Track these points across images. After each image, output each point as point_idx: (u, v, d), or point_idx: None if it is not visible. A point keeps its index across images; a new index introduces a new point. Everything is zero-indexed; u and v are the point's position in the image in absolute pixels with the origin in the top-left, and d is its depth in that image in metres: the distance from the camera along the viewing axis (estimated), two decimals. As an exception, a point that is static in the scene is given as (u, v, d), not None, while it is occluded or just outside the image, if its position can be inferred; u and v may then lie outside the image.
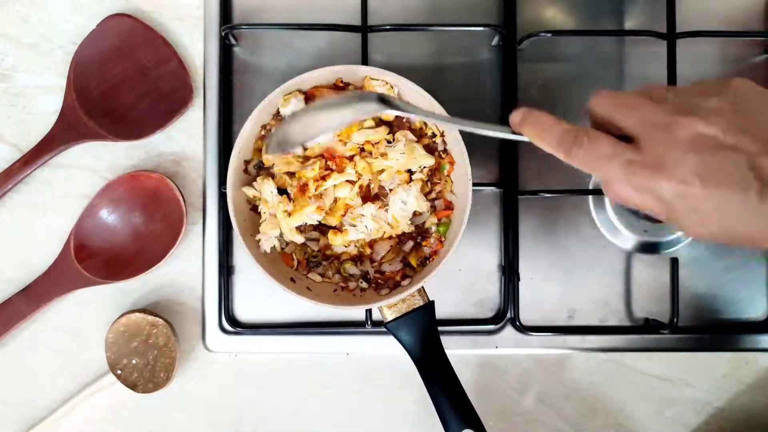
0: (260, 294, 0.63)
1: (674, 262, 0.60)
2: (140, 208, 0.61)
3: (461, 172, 0.55)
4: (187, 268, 0.63)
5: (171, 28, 0.63)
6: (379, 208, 0.56)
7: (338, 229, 0.56)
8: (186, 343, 0.63)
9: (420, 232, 0.57)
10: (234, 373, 0.63)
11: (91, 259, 0.61)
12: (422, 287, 0.55)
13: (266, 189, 0.56)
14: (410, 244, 0.57)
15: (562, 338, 0.62)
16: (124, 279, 0.61)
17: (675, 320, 0.59)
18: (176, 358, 0.60)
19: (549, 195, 0.62)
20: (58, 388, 0.62)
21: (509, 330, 0.62)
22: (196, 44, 0.63)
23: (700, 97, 0.39)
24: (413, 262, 0.57)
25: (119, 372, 0.60)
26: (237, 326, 0.62)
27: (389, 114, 0.52)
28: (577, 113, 0.62)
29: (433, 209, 0.57)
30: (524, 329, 0.61)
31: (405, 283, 0.56)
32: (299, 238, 0.56)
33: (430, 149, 0.57)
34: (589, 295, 0.63)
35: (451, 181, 0.57)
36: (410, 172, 0.57)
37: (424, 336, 0.54)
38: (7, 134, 0.63)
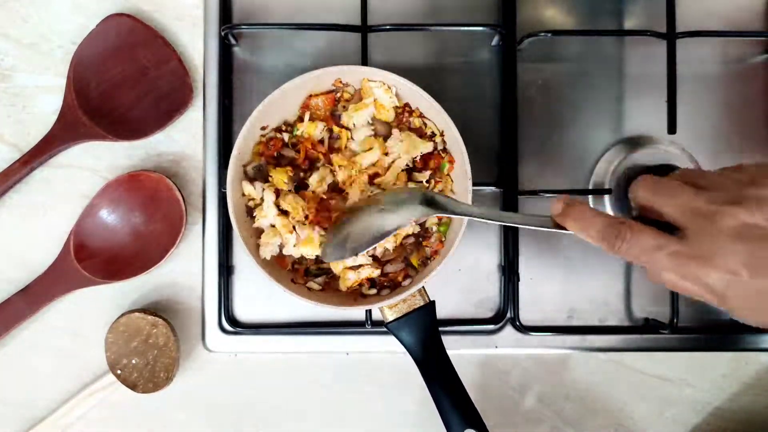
0: (260, 294, 0.63)
1: (674, 262, 0.60)
2: (140, 207, 0.61)
3: (461, 171, 0.55)
4: (187, 267, 0.63)
5: (171, 27, 0.63)
6: None
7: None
8: (186, 343, 0.63)
9: (421, 232, 0.57)
10: (234, 373, 0.63)
11: (90, 259, 0.61)
12: (423, 287, 0.55)
13: (267, 201, 0.55)
14: (411, 239, 0.57)
15: (562, 338, 0.62)
16: (124, 279, 0.61)
17: (675, 320, 0.59)
18: (176, 358, 0.60)
19: (549, 195, 0.62)
20: (57, 388, 0.62)
21: (509, 330, 0.62)
22: (195, 44, 0.63)
23: (744, 186, 0.39)
24: (414, 262, 0.57)
25: (119, 372, 0.60)
26: (237, 326, 0.62)
27: (436, 215, 0.51)
28: (578, 113, 0.63)
29: None
30: (524, 329, 0.61)
31: (406, 283, 0.56)
32: (303, 251, 0.56)
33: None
34: (589, 295, 0.63)
35: (452, 180, 0.57)
36: (409, 174, 0.57)
37: (425, 336, 0.54)
38: (6, 134, 0.63)
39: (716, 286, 0.38)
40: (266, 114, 0.56)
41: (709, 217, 0.38)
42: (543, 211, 0.62)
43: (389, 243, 0.56)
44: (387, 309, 0.55)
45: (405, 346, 0.54)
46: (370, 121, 0.57)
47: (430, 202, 0.49)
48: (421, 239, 0.57)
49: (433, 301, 0.55)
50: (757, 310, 0.39)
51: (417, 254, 0.57)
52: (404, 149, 0.56)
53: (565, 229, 0.45)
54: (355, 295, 0.57)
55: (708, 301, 0.40)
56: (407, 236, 0.57)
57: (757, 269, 0.37)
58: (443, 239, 0.57)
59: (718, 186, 0.40)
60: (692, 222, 0.39)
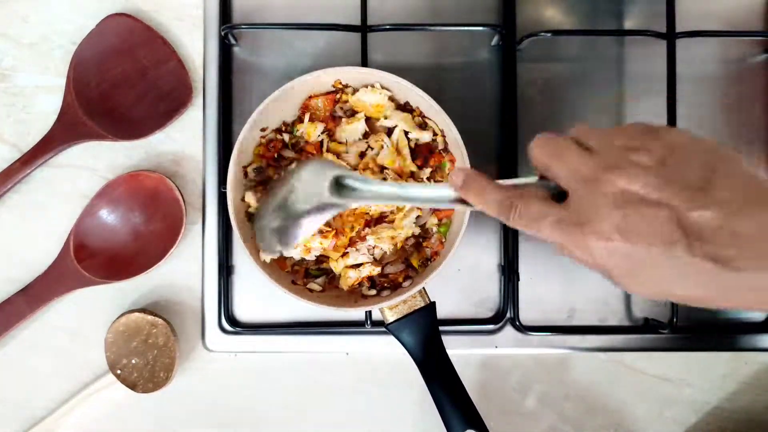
0: (260, 294, 0.63)
1: (674, 262, 0.60)
2: (140, 207, 0.61)
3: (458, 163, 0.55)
4: (186, 267, 0.63)
5: (171, 27, 0.63)
6: (383, 223, 0.56)
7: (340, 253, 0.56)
8: (185, 342, 0.63)
9: (421, 233, 0.57)
10: (233, 373, 0.63)
11: (90, 259, 0.61)
12: (423, 288, 0.55)
13: None
14: (411, 241, 0.57)
15: (562, 338, 0.62)
16: (124, 279, 0.61)
17: (674, 320, 0.59)
18: (176, 358, 0.60)
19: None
20: (57, 388, 0.62)
21: (509, 330, 0.62)
22: (195, 44, 0.63)
23: (627, 151, 0.38)
24: (415, 263, 0.57)
25: (119, 372, 0.60)
26: (236, 326, 0.62)
27: (346, 205, 0.48)
28: (577, 113, 0.63)
29: (434, 209, 0.57)
30: (524, 329, 0.61)
31: (406, 284, 0.56)
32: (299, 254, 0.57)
33: (430, 148, 0.57)
34: (589, 295, 0.63)
35: None
36: (412, 172, 0.57)
37: (425, 337, 0.54)
38: (6, 134, 0.62)
39: (596, 254, 0.38)
40: (266, 115, 0.56)
41: (591, 182, 0.38)
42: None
43: (386, 244, 0.56)
44: (387, 310, 0.55)
45: (405, 347, 0.54)
46: (361, 137, 0.57)
47: (339, 186, 0.47)
48: (421, 240, 0.57)
49: (434, 302, 0.55)
50: (641, 283, 0.38)
51: (417, 255, 0.57)
52: (401, 118, 0.56)
53: (467, 204, 0.44)
54: (356, 296, 0.57)
55: (601, 273, 0.40)
56: (407, 238, 0.57)
57: (631, 234, 0.36)
58: (443, 240, 0.57)
59: (603, 149, 0.40)
60: (577, 187, 0.39)
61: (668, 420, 0.63)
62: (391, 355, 0.63)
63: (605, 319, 0.63)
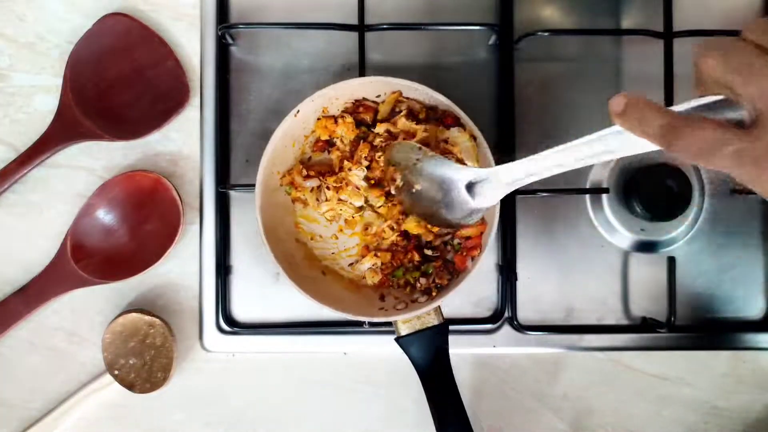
0: (257, 294, 0.63)
1: (671, 261, 0.60)
2: (137, 207, 0.61)
3: None
4: (184, 267, 0.62)
5: (168, 27, 0.63)
6: None
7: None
8: (183, 343, 0.63)
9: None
10: (231, 373, 0.63)
11: (87, 259, 0.60)
12: (439, 307, 0.55)
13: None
14: (451, 254, 0.58)
15: (560, 337, 0.62)
16: (121, 279, 0.61)
17: (672, 319, 0.59)
18: (173, 358, 0.60)
19: (546, 194, 0.62)
20: (55, 388, 0.62)
21: (507, 329, 0.62)
22: (193, 43, 0.63)
23: None
24: (444, 280, 0.57)
25: (116, 372, 0.60)
26: (234, 326, 0.62)
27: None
28: (575, 112, 0.63)
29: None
30: (522, 328, 0.61)
31: (423, 299, 0.56)
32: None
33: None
34: (587, 295, 0.63)
35: None
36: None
37: (434, 355, 0.54)
38: (3, 134, 0.62)
39: None
40: (296, 127, 0.57)
41: None
42: (541, 211, 0.63)
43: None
44: (400, 323, 0.55)
45: (413, 362, 0.54)
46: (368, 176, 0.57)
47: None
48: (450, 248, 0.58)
49: (447, 321, 0.55)
50: None
51: (445, 273, 0.57)
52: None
53: (620, 131, 0.39)
54: (376, 305, 0.57)
55: None
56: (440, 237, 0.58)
57: None
58: (464, 254, 0.57)
59: None
60: (763, 112, 0.33)
61: (666, 419, 0.63)
62: (388, 355, 0.63)
63: (603, 318, 0.63)
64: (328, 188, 0.57)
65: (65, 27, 0.62)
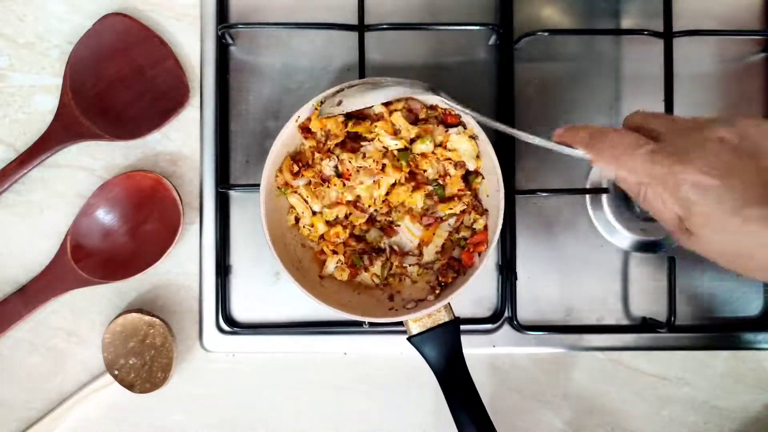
0: (257, 294, 0.63)
1: (671, 261, 0.60)
2: (137, 207, 0.61)
3: (492, 185, 0.54)
4: (184, 267, 0.62)
5: (167, 27, 0.63)
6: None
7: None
8: (183, 343, 0.63)
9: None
10: (231, 373, 0.63)
11: (87, 259, 0.60)
12: (449, 303, 0.55)
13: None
14: (457, 251, 0.57)
15: (560, 337, 0.62)
16: (121, 279, 0.61)
17: (672, 319, 0.59)
18: (173, 358, 0.60)
19: (546, 194, 0.62)
20: (54, 388, 0.62)
21: (507, 329, 0.62)
22: (192, 43, 0.63)
23: (727, 118, 0.40)
24: (449, 278, 0.57)
25: (116, 372, 0.60)
26: (234, 326, 0.62)
27: (436, 101, 0.53)
28: (574, 112, 0.63)
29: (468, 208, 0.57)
30: (522, 328, 0.61)
31: (431, 297, 0.56)
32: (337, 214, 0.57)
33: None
34: (587, 294, 0.63)
35: (482, 176, 0.57)
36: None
37: (448, 352, 0.54)
38: (3, 134, 0.62)
39: (683, 190, 0.38)
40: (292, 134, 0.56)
41: (691, 130, 0.40)
42: (541, 211, 0.63)
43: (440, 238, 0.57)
44: (411, 322, 0.54)
45: (427, 361, 0.54)
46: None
47: (434, 89, 0.52)
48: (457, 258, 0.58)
49: (458, 318, 0.55)
50: (714, 230, 0.38)
51: (450, 271, 0.57)
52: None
53: (569, 146, 0.46)
54: (385, 305, 0.57)
55: (675, 220, 0.40)
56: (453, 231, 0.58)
57: (728, 176, 0.37)
58: (470, 251, 0.57)
59: (702, 118, 0.41)
60: (675, 132, 0.40)
61: (666, 419, 0.64)
62: (388, 355, 0.63)
63: (603, 318, 0.63)
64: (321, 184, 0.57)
65: (65, 27, 0.62)
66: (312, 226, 0.57)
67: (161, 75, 0.62)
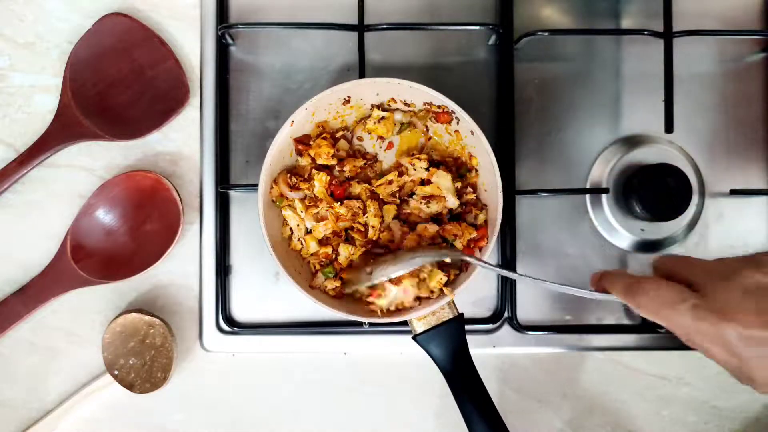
0: (257, 294, 0.63)
1: (671, 261, 0.60)
2: (137, 207, 0.61)
3: (489, 180, 0.55)
4: (184, 268, 0.62)
5: (167, 27, 0.63)
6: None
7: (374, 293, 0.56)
8: (183, 343, 0.63)
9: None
10: (231, 373, 0.63)
11: (87, 259, 0.60)
12: (452, 300, 0.55)
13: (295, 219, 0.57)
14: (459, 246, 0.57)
15: (560, 337, 0.62)
16: (121, 279, 0.61)
17: (672, 319, 0.59)
18: (173, 358, 0.60)
19: (546, 194, 0.62)
20: (54, 388, 0.62)
21: (507, 329, 0.62)
22: (192, 43, 0.63)
23: (756, 259, 0.41)
24: (451, 275, 0.56)
25: (116, 372, 0.60)
26: (234, 326, 0.62)
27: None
28: (574, 112, 0.63)
29: (465, 205, 0.57)
30: (522, 328, 0.61)
31: (434, 295, 0.56)
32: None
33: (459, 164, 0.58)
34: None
35: (476, 171, 0.57)
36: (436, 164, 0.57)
37: (454, 349, 0.54)
38: (2, 134, 0.62)
39: (733, 342, 0.39)
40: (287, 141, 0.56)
41: (727, 276, 0.40)
42: (541, 211, 0.63)
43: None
44: (416, 321, 0.54)
45: (434, 359, 0.54)
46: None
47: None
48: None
49: (462, 314, 0.55)
50: None
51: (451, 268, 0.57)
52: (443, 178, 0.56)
53: (601, 293, 0.48)
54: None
55: (730, 366, 0.41)
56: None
57: None
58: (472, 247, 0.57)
59: (735, 258, 0.42)
60: (712, 281, 0.41)
61: (666, 419, 0.64)
62: (388, 355, 0.63)
63: (603, 318, 0.63)
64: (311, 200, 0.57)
65: (65, 27, 0.62)
66: (304, 242, 0.57)
67: (161, 75, 0.62)
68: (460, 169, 0.58)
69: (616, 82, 0.63)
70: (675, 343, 0.62)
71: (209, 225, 0.62)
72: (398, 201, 0.58)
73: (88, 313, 0.62)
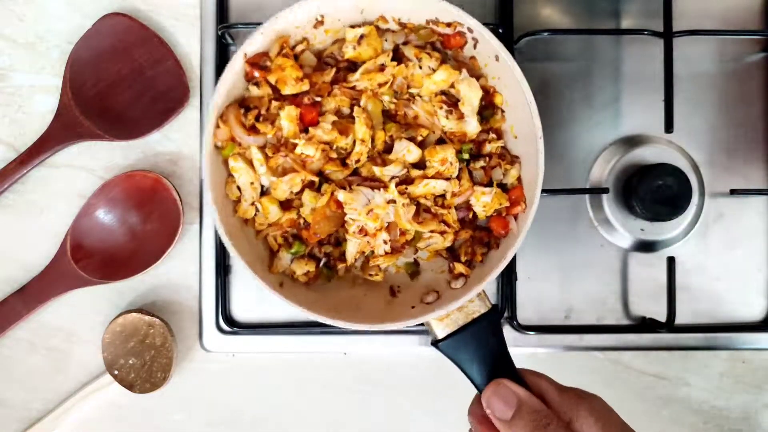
0: (257, 294, 0.63)
1: (671, 261, 0.60)
2: (137, 207, 0.61)
3: (523, 123, 0.41)
4: (184, 267, 0.62)
5: (167, 27, 0.63)
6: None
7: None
8: (183, 343, 0.63)
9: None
10: (231, 373, 0.63)
11: (87, 259, 0.60)
12: (483, 290, 0.42)
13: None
14: (466, 235, 0.43)
15: (560, 337, 0.62)
16: (121, 279, 0.61)
17: (672, 319, 0.59)
18: (173, 358, 0.60)
19: (546, 194, 0.61)
20: (54, 388, 0.62)
21: (507, 329, 0.62)
22: (192, 43, 0.63)
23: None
24: (478, 256, 0.44)
25: (116, 372, 0.60)
26: (234, 326, 0.62)
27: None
28: (574, 112, 0.63)
29: (487, 158, 0.43)
30: (522, 328, 0.61)
31: (458, 284, 0.44)
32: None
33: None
34: (587, 294, 0.63)
35: (502, 113, 0.45)
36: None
37: (492, 355, 0.41)
38: (2, 134, 0.62)
39: None
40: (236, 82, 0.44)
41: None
42: (541, 210, 0.62)
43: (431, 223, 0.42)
44: (435, 322, 0.41)
45: (464, 370, 0.42)
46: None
47: None
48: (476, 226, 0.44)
49: (496, 305, 0.43)
50: None
51: (479, 247, 0.46)
52: (441, 82, 0.41)
53: None
54: (389, 303, 0.45)
55: None
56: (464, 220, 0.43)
57: None
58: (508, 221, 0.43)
59: None
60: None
61: (666, 419, 0.63)
62: (388, 355, 0.63)
63: (603, 318, 0.63)
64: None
65: (65, 27, 0.62)
66: (260, 206, 0.43)
67: (161, 75, 0.62)
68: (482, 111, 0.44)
69: (616, 82, 0.63)
70: (675, 343, 0.63)
71: (209, 225, 0.62)
72: (394, 99, 0.42)
73: (88, 313, 0.62)
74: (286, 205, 0.43)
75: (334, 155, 0.42)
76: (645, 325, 0.62)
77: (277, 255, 0.44)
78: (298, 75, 0.41)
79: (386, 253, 0.43)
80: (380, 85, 0.43)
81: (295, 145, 0.42)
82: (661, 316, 0.61)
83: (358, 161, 0.42)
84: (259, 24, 0.61)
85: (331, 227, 0.42)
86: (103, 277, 0.60)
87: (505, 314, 0.61)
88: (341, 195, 0.40)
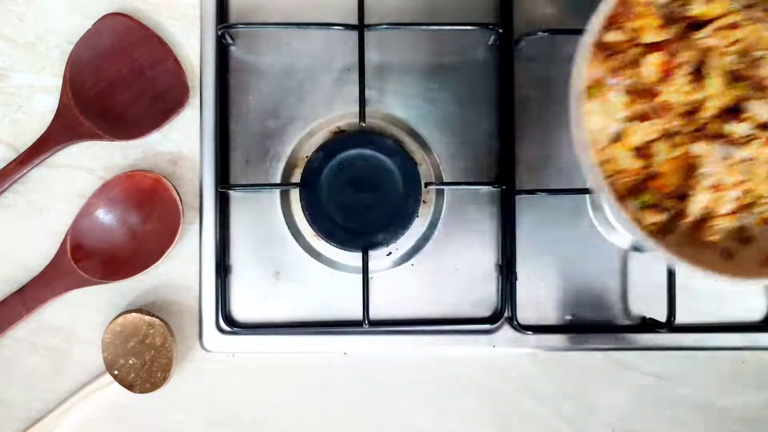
0: (257, 294, 0.63)
1: (671, 261, 0.60)
2: (137, 207, 0.61)
3: None
4: (184, 267, 0.62)
5: (167, 27, 0.63)
6: None
7: None
8: (183, 343, 0.63)
9: None
10: (231, 373, 0.63)
11: (87, 259, 0.60)
12: None
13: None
14: None
15: (560, 337, 0.62)
16: (121, 279, 0.61)
17: (672, 319, 0.59)
18: (173, 358, 0.60)
19: (546, 194, 0.62)
20: (54, 388, 0.62)
21: (506, 329, 0.62)
22: (192, 43, 0.63)
23: None
24: None
25: (116, 372, 0.60)
26: (234, 326, 0.62)
27: None
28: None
29: None
30: (521, 328, 0.61)
31: None
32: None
33: None
34: (587, 295, 0.63)
35: None
36: None
37: None
38: (2, 134, 0.62)
39: None
40: None
41: None
42: (541, 210, 0.63)
43: None
44: None
45: None
46: None
47: None
48: None
49: None
50: None
51: None
52: None
53: None
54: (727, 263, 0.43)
55: None
56: None
57: None
58: None
59: None
60: None
61: (666, 419, 0.63)
62: (389, 355, 0.63)
63: (603, 318, 0.63)
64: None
65: (65, 27, 0.62)
66: (611, 153, 0.42)
67: (161, 75, 0.62)
68: None
69: (616, 82, 0.63)
70: (675, 343, 0.63)
71: (209, 225, 0.62)
72: (741, 59, 0.40)
73: (88, 313, 0.62)
74: (640, 152, 0.42)
75: (683, 109, 0.42)
76: (645, 325, 0.62)
77: (624, 204, 0.42)
78: (655, 23, 0.40)
79: (731, 212, 0.42)
80: (729, 45, 0.41)
81: (654, 93, 0.41)
82: (661, 316, 0.61)
83: (707, 117, 0.41)
84: (258, 24, 0.62)
85: (681, 179, 0.41)
86: (103, 277, 0.60)
87: (505, 314, 0.61)
88: (699, 147, 0.40)
